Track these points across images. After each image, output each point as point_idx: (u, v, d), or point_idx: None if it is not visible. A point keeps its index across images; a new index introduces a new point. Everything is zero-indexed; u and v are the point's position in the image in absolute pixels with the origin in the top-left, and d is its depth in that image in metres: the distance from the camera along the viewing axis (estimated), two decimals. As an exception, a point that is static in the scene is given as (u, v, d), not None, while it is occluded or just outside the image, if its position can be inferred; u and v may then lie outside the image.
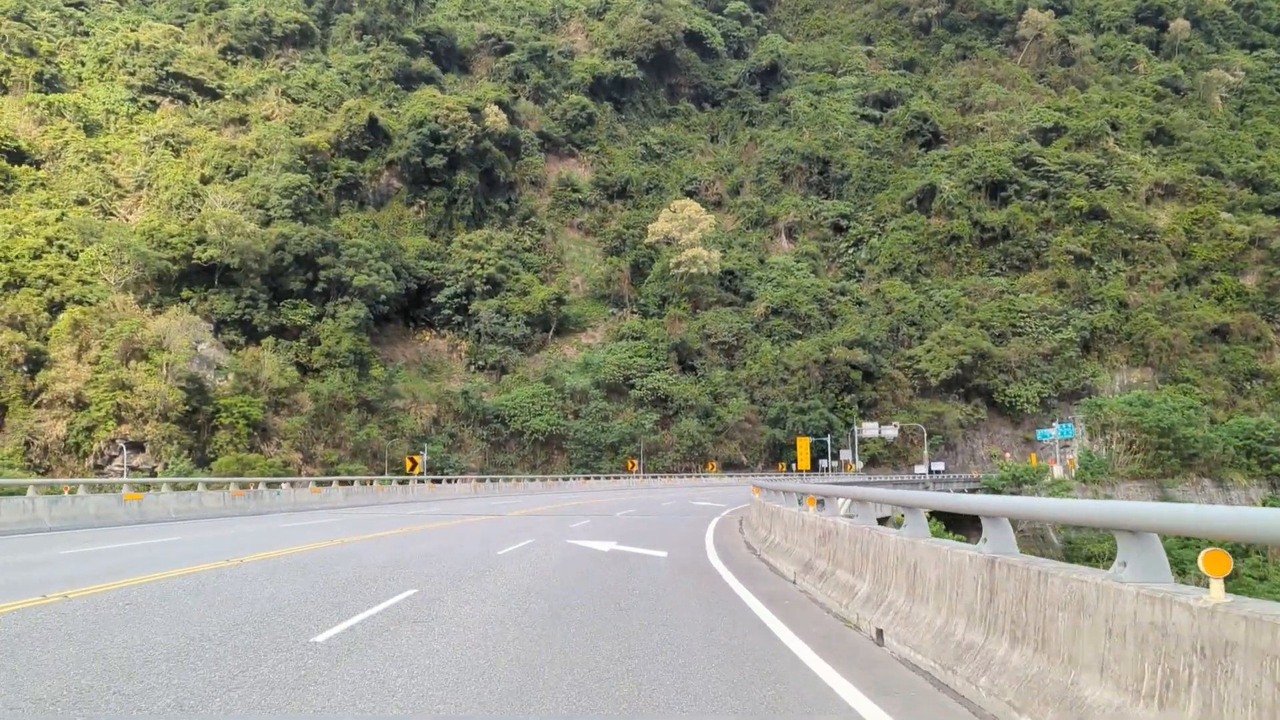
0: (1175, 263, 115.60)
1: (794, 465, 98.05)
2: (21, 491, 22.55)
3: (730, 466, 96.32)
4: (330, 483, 36.96)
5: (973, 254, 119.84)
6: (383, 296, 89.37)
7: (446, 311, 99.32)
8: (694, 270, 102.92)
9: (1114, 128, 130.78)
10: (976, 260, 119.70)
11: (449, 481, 55.09)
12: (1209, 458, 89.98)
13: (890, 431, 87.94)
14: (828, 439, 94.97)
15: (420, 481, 49.03)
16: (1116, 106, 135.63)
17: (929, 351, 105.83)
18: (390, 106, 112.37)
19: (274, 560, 13.73)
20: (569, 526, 22.02)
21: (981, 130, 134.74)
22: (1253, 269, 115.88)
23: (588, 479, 73.69)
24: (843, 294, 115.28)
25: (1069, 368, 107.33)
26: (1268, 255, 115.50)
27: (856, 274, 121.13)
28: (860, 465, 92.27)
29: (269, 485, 31.42)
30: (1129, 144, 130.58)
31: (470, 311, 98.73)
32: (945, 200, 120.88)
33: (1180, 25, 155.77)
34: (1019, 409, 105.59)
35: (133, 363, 70.70)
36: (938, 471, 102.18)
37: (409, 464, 52.35)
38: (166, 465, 65.98)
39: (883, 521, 21.06)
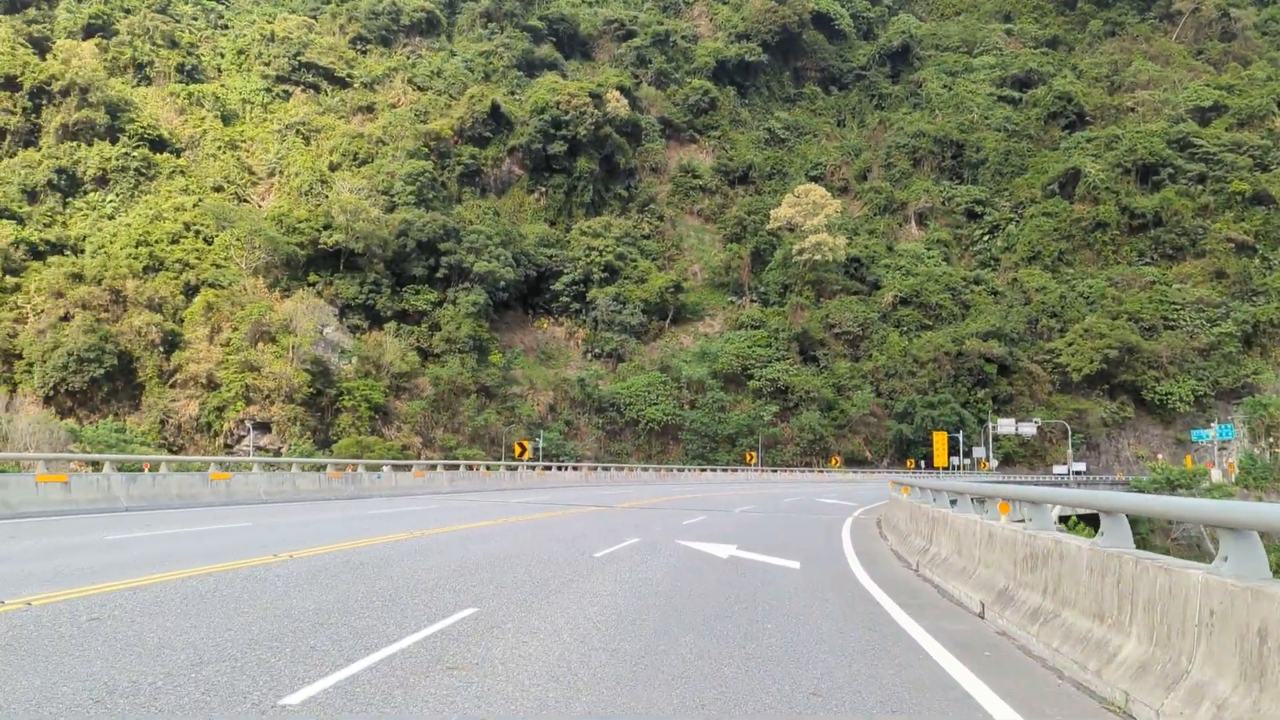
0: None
1: (923, 462, 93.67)
2: (99, 467, 21.78)
3: (853, 462, 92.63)
4: (435, 466, 35.78)
5: (1120, 241, 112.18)
6: (502, 283, 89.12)
7: (564, 299, 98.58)
8: (817, 257, 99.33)
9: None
10: (1124, 248, 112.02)
11: (559, 469, 53.76)
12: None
13: (1029, 429, 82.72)
14: (959, 435, 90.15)
15: (530, 468, 47.77)
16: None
17: (1070, 345, 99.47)
18: (513, 93, 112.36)
19: (329, 557, 11.91)
20: (681, 524, 19.79)
21: (1131, 111, 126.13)
22: None
23: (703, 471, 71.53)
24: (977, 283, 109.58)
25: (1227, 364, 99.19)
26: None
27: (992, 262, 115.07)
28: (995, 464, 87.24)
29: (369, 468, 30.38)
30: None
31: (588, 299, 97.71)
32: (1090, 185, 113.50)
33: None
34: (1170, 408, 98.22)
35: (260, 345, 72.12)
36: (1079, 472, 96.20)
37: (518, 449, 51.02)
38: (290, 446, 67.00)
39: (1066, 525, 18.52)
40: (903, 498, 18.60)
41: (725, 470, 75.16)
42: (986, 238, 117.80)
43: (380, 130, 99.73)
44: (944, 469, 68.43)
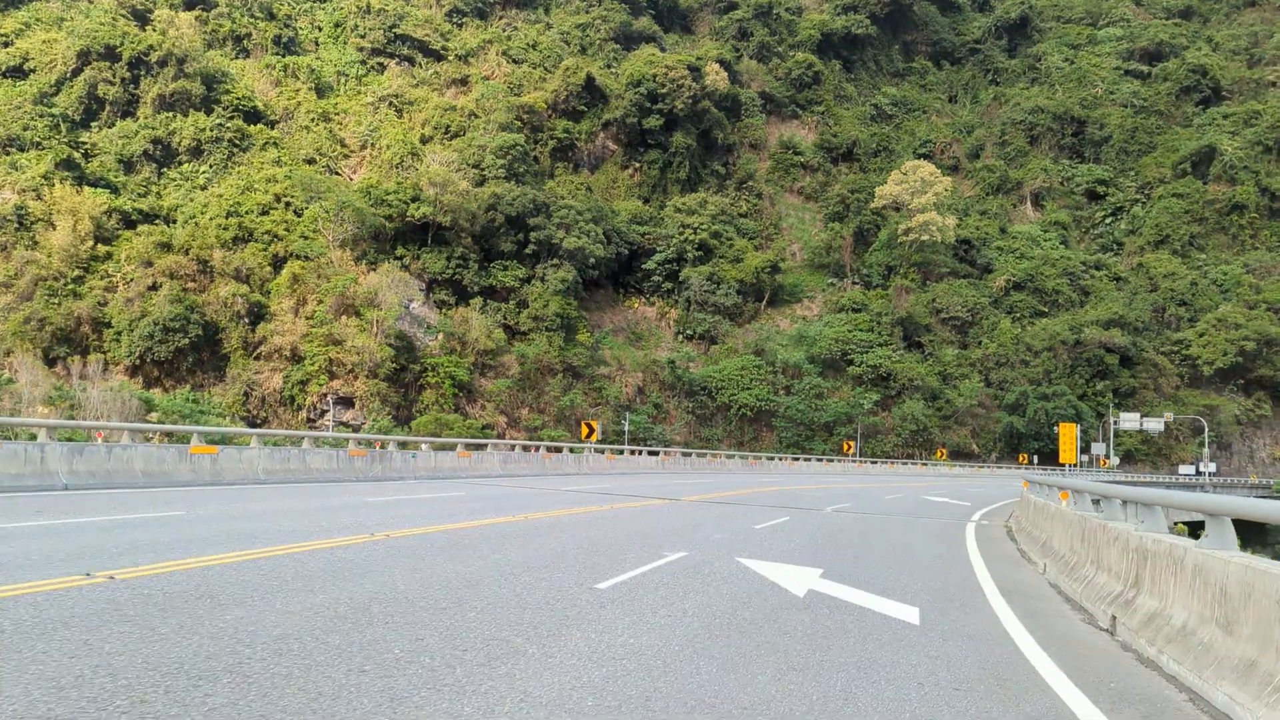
0: None
1: (1035, 457, 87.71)
2: (32, 436, 18.72)
3: (959, 455, 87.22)
4: (484, 446, 32.17)
5: (1258, 225, 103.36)
6: (591, 260, 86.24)
7: (656, 278, 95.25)
8: (925, 238, 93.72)
9: None
10: (1263, 233, 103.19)
11: (633, 453, 50.02)
12: None
13: (1155, 424, 76.15)
14: (1076, 429, 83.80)
15: (599, 451, 44.11)
16: None
17: (1201, 335, 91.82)
18: (609, 67, 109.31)
19: (215, 570, 8.59)
20: (753, 527, 15.79)
21: (1274, 85, 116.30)
22: None
23: (795, 460, 67.24)
24: (1097, 268, 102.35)
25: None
26: None
27: (1114, 246, 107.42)
28: (1115, 461, 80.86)
29: (401, 446, 27.28)
30: None
31: (680, 278, 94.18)
32: (1226, 164, 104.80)
33: None
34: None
35: (345, 318, 70.72)
36: (1211, 473, 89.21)
37: (585, 430, 46.75)
38: (371, 421, 65.46)
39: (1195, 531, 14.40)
40: (1054, 504, 14.59)
41: (820, 460, 70.91)
42: (1109, 220, 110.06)
43: (473, 103, 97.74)
44: (1072, 466, 62.89)
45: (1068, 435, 55.94)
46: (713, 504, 21.80)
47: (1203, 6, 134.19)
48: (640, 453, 49.82)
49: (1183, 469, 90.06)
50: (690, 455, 56.26)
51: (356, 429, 65.64)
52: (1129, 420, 76.06)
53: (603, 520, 15.58)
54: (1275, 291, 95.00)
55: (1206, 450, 77.86)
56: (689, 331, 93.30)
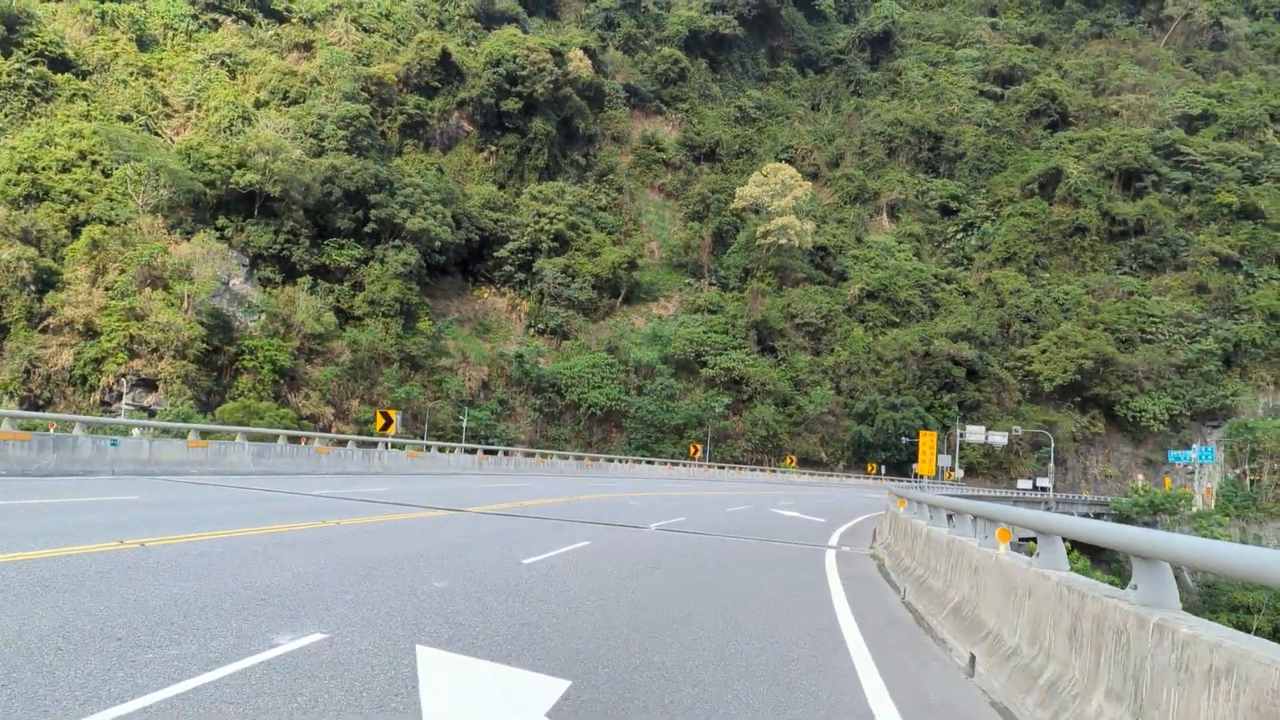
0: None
1: (883, 467, 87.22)
2: None
3: (808, 463, 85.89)
4: (234, 435, 25.60)
5: (1099, 248, 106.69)
6: (438, 243, 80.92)
7: (508, 268, 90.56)
8: (783, 241, 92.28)
9: (1273, 119, 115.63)
10: (1103, 255, 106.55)
11: (446, 450, 44.50)
12: (1375, 500, 76.45)
13: (999, 439, 76.51)
14: (936, 438, 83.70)
15: (396, 447, 38.33)
16: (1277, 96, 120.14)
17: (1044, 352, 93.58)
18: (468, 45, 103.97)
19: None
20: (521, 562, 11.09)
21: (1116, 114, 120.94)
22: None
23: (638, 463, 63.47)
24: (948, 281, 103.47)
25: (1206, 383, 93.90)
26: None
27: (964, 261, 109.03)
28: (960, 474, 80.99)
29: (116, 431, 21.92)
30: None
31: (534, 269, 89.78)
32: (1071, 186, 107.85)
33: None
34: (1143, 426, 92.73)
35: (150, 291, 63.22)
36: (1043, 488, 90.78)
37: (380, 421, 39.22)
38: (169, 407, 58.38)
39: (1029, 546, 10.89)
40: (947, 534, 10.78)
41: (667, 464, 67.59)
42: (960, 235, 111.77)
43: (316, 70, 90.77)
44: (930, 480, 61.33)
45: (927, 445, 54.29)
46: (502, 518, 17.28)
47: (1053, 35, 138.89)
48: (453, 450, 44.58)
49: (1021, 483, 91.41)
50: (513, 455, 51.28)
51: (154, 415, 58.47)
52: (975, 433, 76.11)
53: (316, 545, 11.02)
54: (1112, 313, 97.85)
55: (1052, 466, 78.76)
56: (541, 325, 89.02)
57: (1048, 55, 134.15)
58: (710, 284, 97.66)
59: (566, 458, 54.72)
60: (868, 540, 20.34)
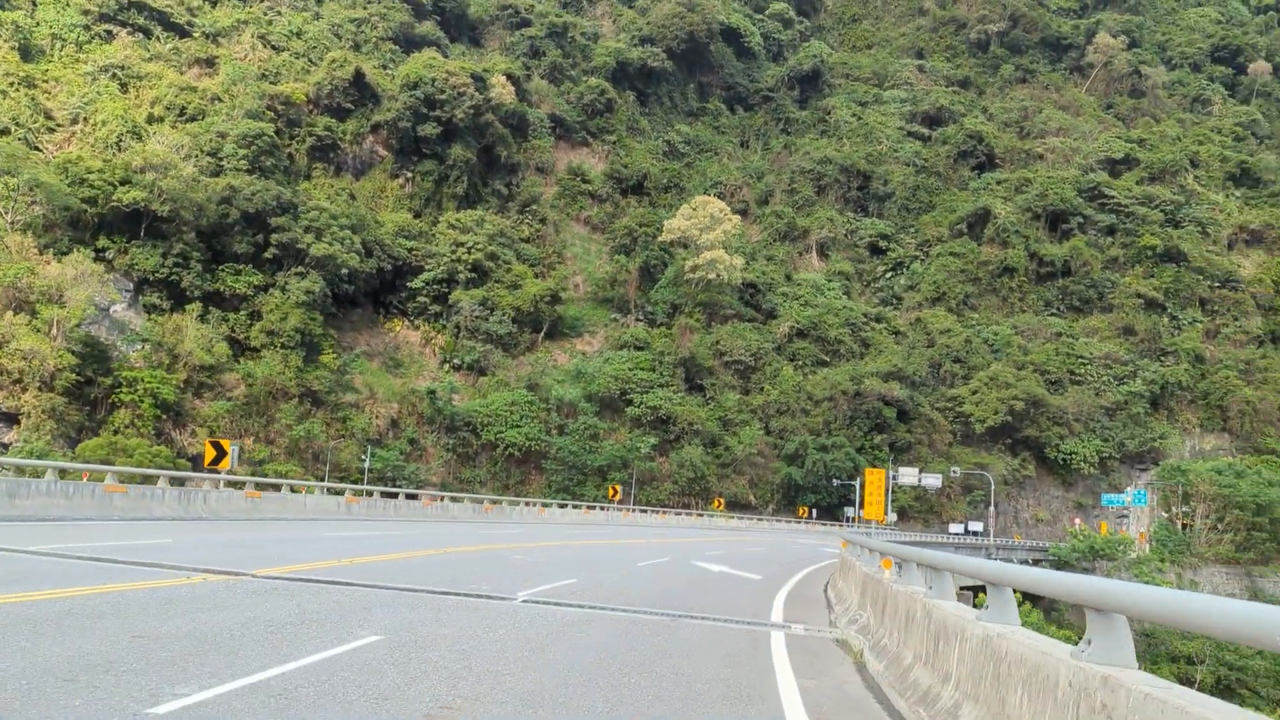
0: (1260, 317, 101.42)
1: (813, 510, 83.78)
2: None
3: (736, 506, 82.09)
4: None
5: (1027, 289, 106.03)
6: (345, 271, 75.75)
7: (423, 299, 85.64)
8: (711, 276, 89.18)
9: (1193, 164, 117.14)
10: (1030, 296, 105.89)
11: (300, 491, 37.65)
12: (1305, 546, 75.34)
13: (933, 481, 73.72)
14: (855, 483, 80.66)
15: (233, 486, 31.25)
16: (1196, 143, 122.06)
17: (975, 393, 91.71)
18: (385, 68, 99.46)
19: None
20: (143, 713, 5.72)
21: (1042, 157, 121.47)
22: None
23: (547, 507, 58.20)
24: (878, 321, 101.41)
25: (1134, 426, 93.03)
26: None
27: (894, 300, 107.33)
28: (893, 518, 77.88)
29: None
30: (1209, 183, 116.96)
31: (450, 301, 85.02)
32: (999, 227, 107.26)
33: (1260, 67, 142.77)
34: (1073, 468, 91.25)
35: (12, 315, 56.89)
36: (975, 532, 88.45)
37: (209, 452, 32.09)
38: (23, 443, 52.08)
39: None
40: (964, 615, 6.85)
41: (583, 508, 62.65)
42: (889, 274, 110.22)
43: (218, 86, 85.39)
44: (877, 526, 57.21)
45: (875, 485, 50.32)
46: (283, 585, 12.35)
47: (979, 79, 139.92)
48: (313, 492, 38.65)
49: (953, 527, 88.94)
50: (395, 497, 45.00)
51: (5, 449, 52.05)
52: (908, 475, 73.14)
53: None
54: (1041, 354, 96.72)
55: (993, 510, 76.13)
56: (457, 360, 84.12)
57: (974, 98, 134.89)
58: (637, 320, 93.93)
59: (461, 500, 49.03)
60: (821, 608, 16.20)
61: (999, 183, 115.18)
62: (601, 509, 61.33)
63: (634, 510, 63.33)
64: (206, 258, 71.52)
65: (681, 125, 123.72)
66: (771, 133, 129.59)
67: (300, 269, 73.75)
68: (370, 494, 47.58)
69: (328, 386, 71.79)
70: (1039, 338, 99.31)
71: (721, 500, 78.09)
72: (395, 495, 47.04)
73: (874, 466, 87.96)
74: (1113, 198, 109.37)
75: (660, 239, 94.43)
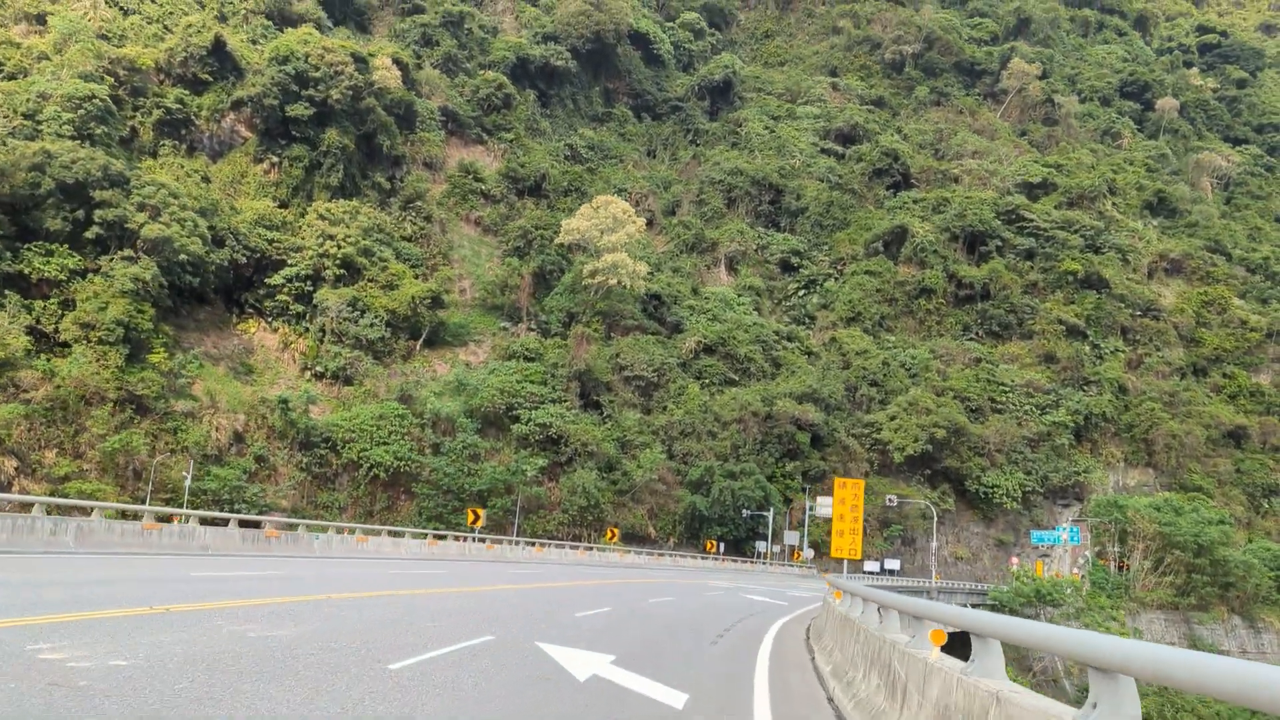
0: (1182, 349, 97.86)
1: (721, 545, 75.47)
2: None
3: (634, 538, 73.21)
4: None
5: (945, 312, 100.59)
6: (184, 258, 64.68)
7: (283, 297, 74.92)
8: (613, 283, 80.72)
9: (1111, 191, 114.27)
10: (949, 320, 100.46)
11: (99, 514, 27.86)
12: (1243, 590, 70.25)
13: (854, 512, 66.01)
14: (768, 514, 72.79)
15: None
16: (1112, 171, 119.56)
17: (893, 419, 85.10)
18: (254, 42, 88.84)
19: None
20: None
21: (958, 179, 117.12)
22: (1268, 366, 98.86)
23: (366, 538, 41.33)
24: (790, 340, 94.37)
25: (1058, 458, 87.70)
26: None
27: (807, 320, 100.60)
28: (809, 554, 70.12)
29: None
30: (1127, 211, 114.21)
31: (314, 301, 74.52)
32: (917, 246, 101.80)
33: (1169, 104, 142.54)
34: (995, 502, 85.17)
35: None
36: (893, 572, 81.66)
37: None
38: None
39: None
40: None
41: (428, 540, 47.47)
42: (802, 292, 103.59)
43: (49, 45, 73.71)
44: (872, 572, 47.74)
45: (849, 503, 40.58)
46: None
47: (893, 99, 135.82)
48: (88, 513, 27.77)
49: (868, 565, 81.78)
50: (226, 525, 33.29)
51: None
52: (826, 506, 65.47)
53: None
54: (961, 380, 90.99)
55: (935, 544, 68.86)
56: (320, 368, 73.51)
57: (888, 118, 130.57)
58: (529, 329, 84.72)
59: (227, 523, 33.81)
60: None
61: (916, 202, 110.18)
62: (460, 540, 50.36)
63: (498, 543, 52.70)
64: (11, 233, 59.82)
65: (585, 129, 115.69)
66: (680, 143, 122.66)
67: (129, 253, 62.50)
68: (185, 519, 37.01)
69: (156, 391, 60.54)
70: (958, 363, 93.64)
71: (616, 531, 68.98)
72: (225, 522, 35.59)
73: (786, 497, 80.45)
74: (1032, 221, 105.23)
75: (557, 241, 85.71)
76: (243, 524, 35.56)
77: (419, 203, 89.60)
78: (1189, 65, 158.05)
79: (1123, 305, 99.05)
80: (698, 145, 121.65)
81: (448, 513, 67.72)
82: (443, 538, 45.77)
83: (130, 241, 62.90)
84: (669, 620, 18.47)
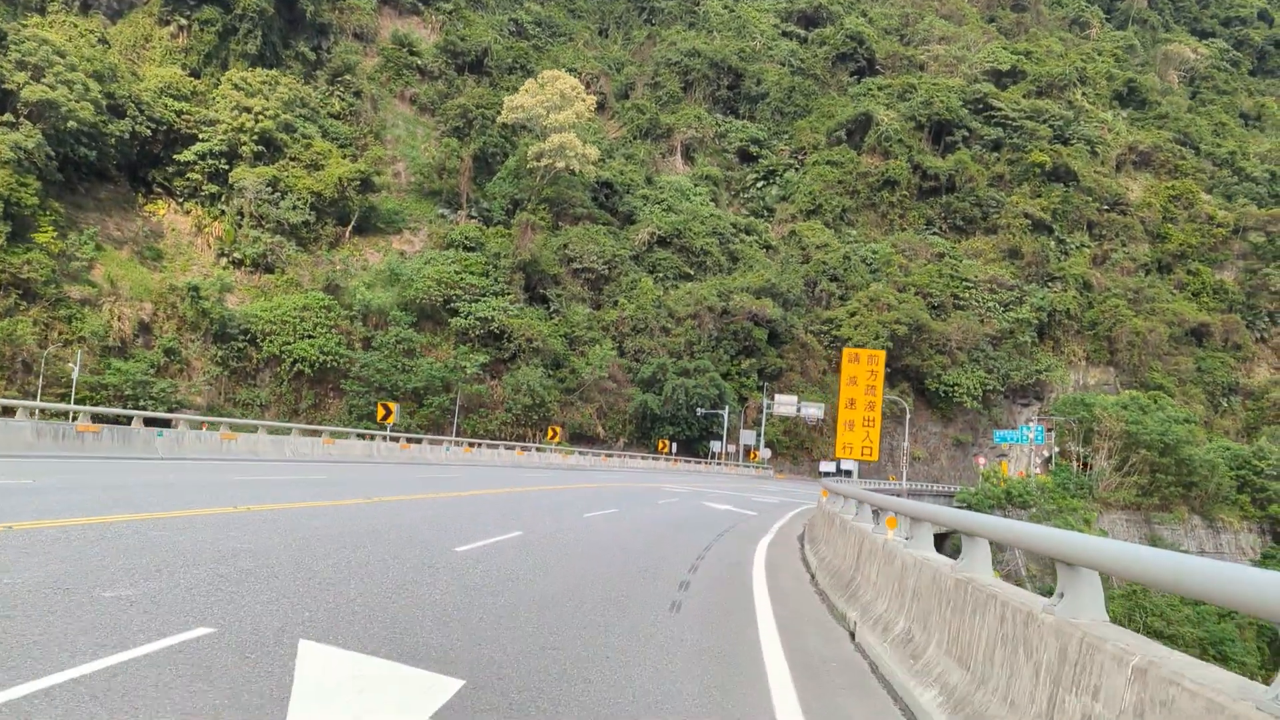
0: (1148, 244, 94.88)
1: (674, 445, 71.85)
2: None
3: (581, 438, 69.21)
4: None
5: (908, 205, 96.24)
6: (73, 124, 57.51)
7: (195, 175, 68.00)
8: (560, 166, 74.75)
9: (1082, 80, 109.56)
10: (912, 214, 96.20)
11: None
12: (1204, 490, 68.52)
13: (814, 411, 62.72)
14: (723, 413, 69.07)
15: None
16: (1082, 60, 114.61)
17: (853, 315, 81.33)
18: (159, -111, 79.18)
19: None
20: None
21: (924, 67, 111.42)
22: (1232, 263, 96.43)
23: (235, 435, 30.98)
24: (748, 233, 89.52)
25: (1020, 357, 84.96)
26: (1251, 248, 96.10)
27: (765, 213, 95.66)
28: (766, 454, 66.74)
29: None
30: (1096, 101, 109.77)
31: (230, 181, 67.71)
32: (882, 135, 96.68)
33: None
34: (954, 401, 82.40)
35: None
36: (847, 472, 78.65)
37: None
38: None
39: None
40: None
41: (325, 437, 39.95)
42: (761, 184, 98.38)
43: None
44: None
45: (864, 379, 34.63)
46: None
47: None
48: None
49: (824, 465, 78.96)
50: (129, 424, 28.14)
51: None
52: (785, 404, 61.92)
53: None
54: (923, 275, 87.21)
55: (907, 445, 65.55)
56: (239, 254, 67.21)
57: (852, 2, 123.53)
58: (470, 216, 78.72)
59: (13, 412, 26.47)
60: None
61: (881, 89, 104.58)
62: (364, 438, 43.52)
63: (413, 442, 46.91)
64: None
65: (532, 4, 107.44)
66: (634, 21, 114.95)
67: (9, 117, 55.25)
68: (73, 417, 31.56)
69: (46, 275, 54.27)
70: (920, 258, 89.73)
71: (558, 430, 64.53)
72: (129, 421, 29.79)
73: (741, 395, 76.72)
74: (999, 110, 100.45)
75: (500, 119, 79.12)
76: (148, 422, 30.23)
77: (348, 76, 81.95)
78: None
79: (1090, 199, 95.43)
80: (653, 24, 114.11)
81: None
82: (343, 436, 40.55)
83: (10, 105, 55.57)
84: (605, 550, 13.20)
